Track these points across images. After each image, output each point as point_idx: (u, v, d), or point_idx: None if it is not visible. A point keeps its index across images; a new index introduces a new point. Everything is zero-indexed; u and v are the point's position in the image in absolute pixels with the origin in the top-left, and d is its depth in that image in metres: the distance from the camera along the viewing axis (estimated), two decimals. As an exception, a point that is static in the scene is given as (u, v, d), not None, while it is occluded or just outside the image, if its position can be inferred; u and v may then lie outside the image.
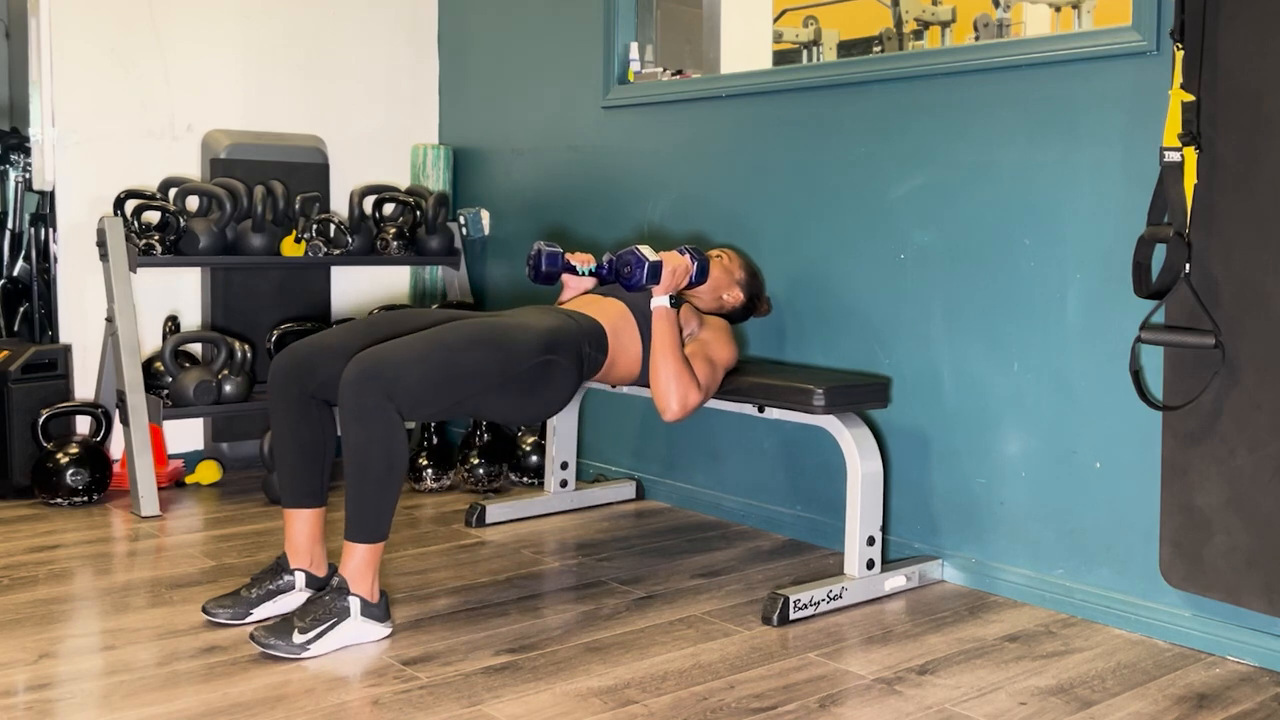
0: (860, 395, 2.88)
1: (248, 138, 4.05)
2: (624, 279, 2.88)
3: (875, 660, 2.42)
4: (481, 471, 3.79)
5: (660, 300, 2.85)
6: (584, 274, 3.05)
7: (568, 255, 3.02)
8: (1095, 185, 2.64)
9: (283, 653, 2.34)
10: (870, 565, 2.80)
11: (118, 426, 3.69)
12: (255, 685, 2.23)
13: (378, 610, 2.47)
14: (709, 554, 3.17)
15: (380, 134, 4.45)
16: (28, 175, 4.17)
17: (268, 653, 2.34)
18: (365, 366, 2.38)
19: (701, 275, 2.95)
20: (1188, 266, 2.33)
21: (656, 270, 2.85)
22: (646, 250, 2.86)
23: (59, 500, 3.53)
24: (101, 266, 3.63)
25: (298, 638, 2.35)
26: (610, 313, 2.91)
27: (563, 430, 3.61)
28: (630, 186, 3.76)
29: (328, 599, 2.41)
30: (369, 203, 4.16)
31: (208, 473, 3.89)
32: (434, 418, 2.59)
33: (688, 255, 2.92)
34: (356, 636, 2.43)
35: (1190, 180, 2.31)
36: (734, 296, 3.13)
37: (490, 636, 2.52)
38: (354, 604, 2.42)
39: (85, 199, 3.81)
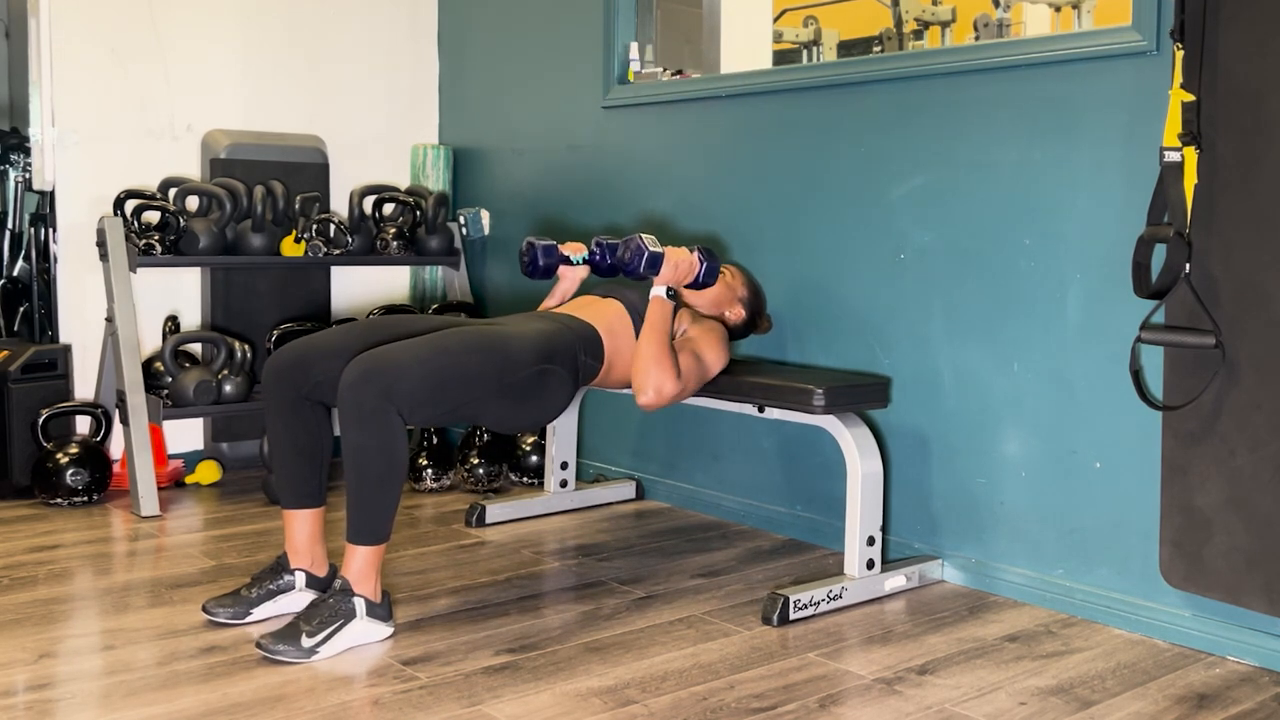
0: (860, 395, 2.88)
1: (248, 138, 4.05)
2: (623, 265, 2.88)
3: (875, 660, 2.42)
4: (481, 471, 3.79)
5: (658, 290, 2.86)
6: (578, 263, 3.09)
7: (560, 247, 3.06)
8: (1095, 185, 2.64)
9: (291, 658, 2.34)
10: (870, 565, 2.80)
11: (118, 426, 3.69)
12: (255, 685, 2.23)
13: (381, 610, 2.47)
14: (709, 554, 3.17)
15: (380, 134, 4.45)
16: (28, 175, 4.17)
17: (276, 660, 2.34)
18: (365, 368, 2.38)
19: (710, 277, 2.94)
20: (1188, 266, 2.33)
21: (656, 261, 2.85)
22: (648, 240, 2.86)
23: (59, 500, 3.53)
24: (101, 266, 3.63)
25: (306, 641, 2.35)
26: (607, 314, 2.91)
27: (562, 430, 3.61)
28: (630, 187, 3.76)
29: (332, 601, 2.41)
30: (369, 203, 4.16)
31: (208, 473, 3.89)
32: (432, 422, 2.59)
33: (696, 253, 2.91)
34: (363, 637, 2.43)
35: (1190, 180, 2.31)
36: (735, 314, 3.12)
37: (490, 636, 2.52)
38: (359, 605, 2.42)
39: (85, 199, 3.81)
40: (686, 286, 2.95)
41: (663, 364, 2.76)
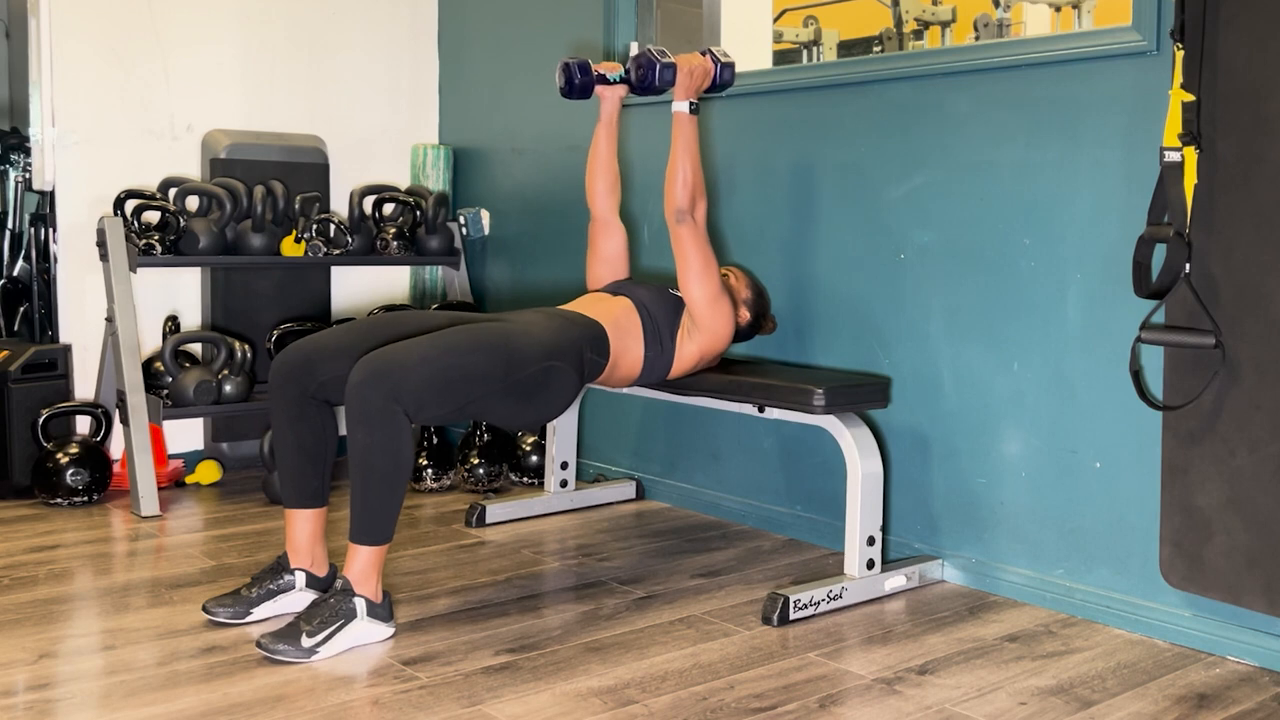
0: (860, 395, 2.88)
1: (248, 138, 4.05)
2: (639, 81, 2.93)
3: (875, 660, 2.43)
4: (481, 471, 3.79)
5: (680, 105, 2.93)
6: (614, 80, 3.11)
7: (595, 65, 3.10)
8: (1095, 185, 2.64)
9: (291, 658, 2.34)
10: (870, 565, 2.80)
11: (118, 426, 3.69)
12: (255, 685, 2.23)
13: (383, 610, 2.47)
14: (709, 554, 3.17)
15: (380, 134, 4.45)
16: (28, 175, 4.17)
17: (276, 660, 2.34)
18: (372, 368, 2.38)
19: (727, 74, 2.97)
20: (1188, 266, 2.33)
21: (669, 72, 2.89)
22: (658, 51, 2.90)
23: (59, 500, 3.53)
24: (101, 266, 3.63)
25: (306, 641, 2.35)
26: (615, 311, 2.90)
27: (563, 430, 3.61)
28: (630, 187, 3.75)
29: (333, 601, 2.41)
30: (369, 203, 4.16)
31: (208, 473, 3.89)
32: (438, 421, 2.59)
33: (708, 56, 2.95)
34: (363, 637, 2.43)
35: (1190, 180, 2.31)
36: (740, 315, 3.12)
37: (490, 636, 2.52)
38: (360, 605, 2.42)
39: (85, 199, 3.81)
40: (707, 93, 3.00)
41: (699, 182, 2.88)
